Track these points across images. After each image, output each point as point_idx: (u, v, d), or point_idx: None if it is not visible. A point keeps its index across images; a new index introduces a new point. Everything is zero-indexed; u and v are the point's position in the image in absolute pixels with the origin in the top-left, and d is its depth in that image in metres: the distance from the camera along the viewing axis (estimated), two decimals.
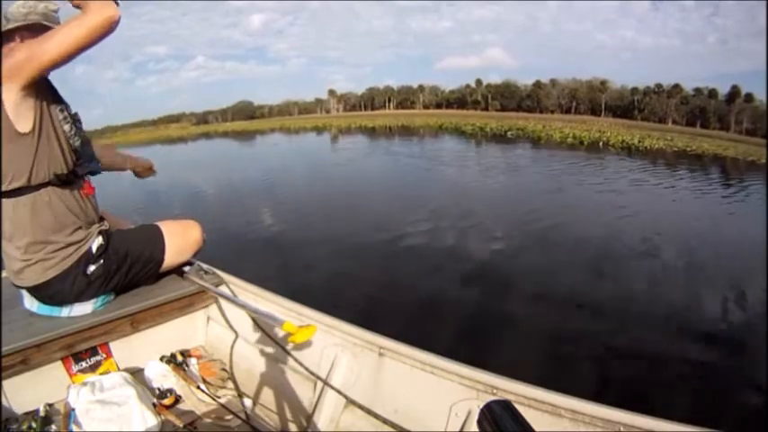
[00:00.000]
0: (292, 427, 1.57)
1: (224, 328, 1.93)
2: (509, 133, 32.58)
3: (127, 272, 1.65)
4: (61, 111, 1.47)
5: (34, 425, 1.37)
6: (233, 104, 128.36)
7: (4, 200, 1.39)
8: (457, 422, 1.24)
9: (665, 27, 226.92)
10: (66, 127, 1.48)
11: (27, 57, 1.27)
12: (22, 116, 1.33)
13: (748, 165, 21.71)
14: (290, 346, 1.68)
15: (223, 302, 1.94)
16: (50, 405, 1.47)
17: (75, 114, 1.56)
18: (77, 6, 1.32)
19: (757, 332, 3.56)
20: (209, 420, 1.60)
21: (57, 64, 1.32)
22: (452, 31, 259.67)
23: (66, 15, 1.43)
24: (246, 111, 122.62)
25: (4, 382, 1.40)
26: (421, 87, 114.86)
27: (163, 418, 1.52)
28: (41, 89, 1.39)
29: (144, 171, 2.17)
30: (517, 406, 0.47)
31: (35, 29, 1.43)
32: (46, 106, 1.40)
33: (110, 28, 1.30)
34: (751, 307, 4.10)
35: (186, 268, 1.88)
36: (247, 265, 4.88)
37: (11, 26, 1.40)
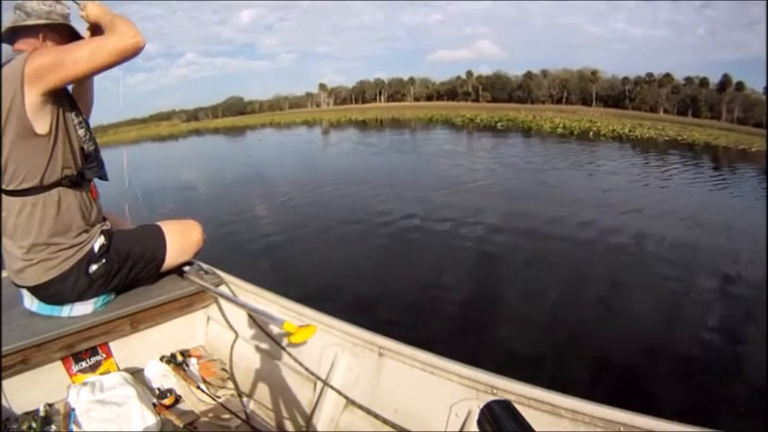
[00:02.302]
0: (292, 426, 1.58)
1: (224, 328, 1.94)
2: (499, 124, 32.60)
3: (128, 272, 1.65)
4: (76, 115, 1.50)
5: (34, 425, 1.38)
6: (223, 100, 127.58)
7: (10, 198, 1.40)
8: (457, 422, 1.24)
9: (656, 18, 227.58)
10: (81, 131, 1.51)
11: (55, 64, 1.30)
12: (41, 118, 1.35)
13: (739, 153, 21.78)
14: (289, 346, 1.69)
15: (223, 302, 1.94)
16: (50, 405, 1.48)
17: (87, 120, 1.58)
18: (93, 23, 1.42)
19: (757, 330, 3.50)
20: (208, 420, 1.61)
21: (82, 77, 1.40)
22: (443, 23, 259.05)
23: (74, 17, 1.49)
24: (237, 106, 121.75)
25: (4, 382, 1.40)
26: (412, 80, 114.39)
27: (163, 417, 1.53)
28: (60, 94, 1.41)
29: None
30: (517, 406, 0.47)
31: (56, 28, 1.47)
32: (63, 111, 1.42)
33: (135, 53, 1.37)
34: (751, 303, 4.03)
35: (186, 268, 1.88)
36: (232, 257, 5.06)
37: (33, 22, 1.42)
